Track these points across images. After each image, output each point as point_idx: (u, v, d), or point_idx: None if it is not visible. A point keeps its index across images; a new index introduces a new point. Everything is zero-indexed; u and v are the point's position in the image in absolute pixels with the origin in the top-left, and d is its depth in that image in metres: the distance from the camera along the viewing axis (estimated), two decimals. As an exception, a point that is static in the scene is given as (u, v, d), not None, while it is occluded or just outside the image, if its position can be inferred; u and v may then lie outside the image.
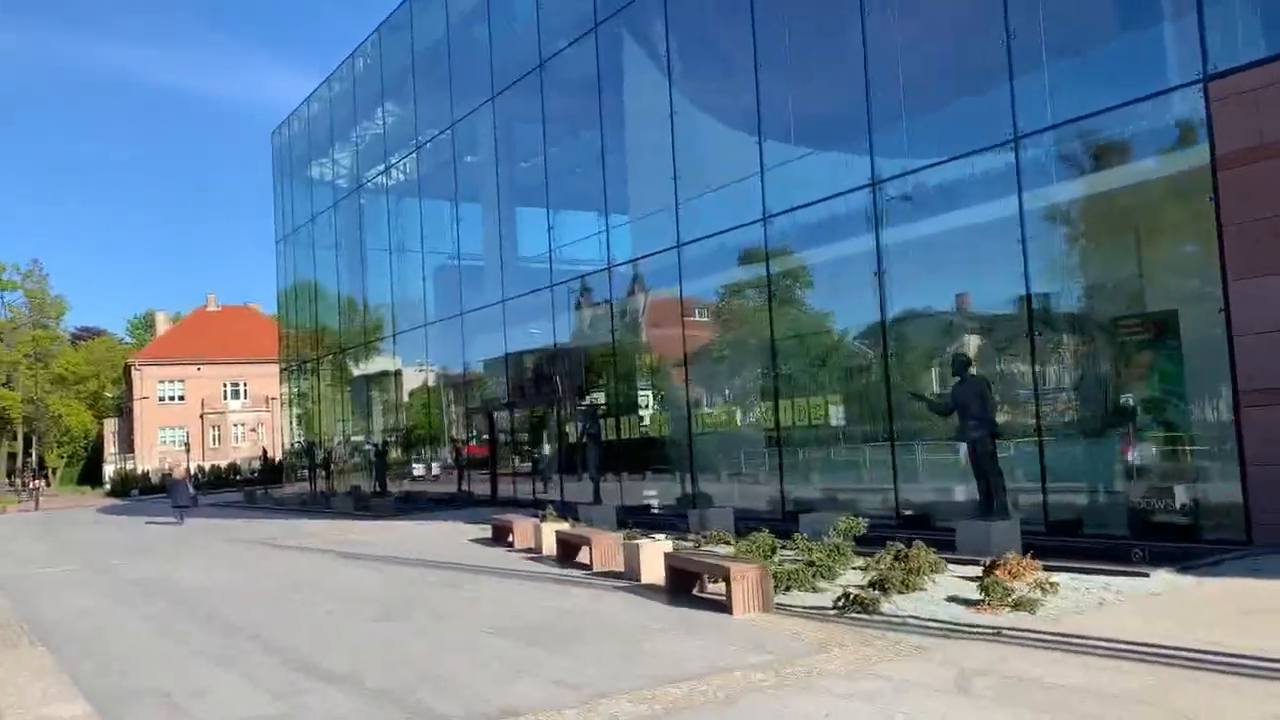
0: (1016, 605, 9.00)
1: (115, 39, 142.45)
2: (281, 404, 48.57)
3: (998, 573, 10.19)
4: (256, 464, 67.17)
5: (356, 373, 40.80)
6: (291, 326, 45.42)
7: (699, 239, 20.04)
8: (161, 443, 79.27)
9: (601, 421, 20.71)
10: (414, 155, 34.07)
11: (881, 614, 9.15)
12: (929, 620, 8.80)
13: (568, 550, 14.49)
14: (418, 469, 32.77)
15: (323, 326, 42.07)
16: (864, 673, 7.16)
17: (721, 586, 10.04)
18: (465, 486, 30.16)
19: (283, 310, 45.65)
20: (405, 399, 36.50)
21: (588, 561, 13.83)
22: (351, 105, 37.17)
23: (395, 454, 35.08)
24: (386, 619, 10.69)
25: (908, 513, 15.71)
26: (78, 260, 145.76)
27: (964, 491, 15.70)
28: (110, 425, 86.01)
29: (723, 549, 13.31)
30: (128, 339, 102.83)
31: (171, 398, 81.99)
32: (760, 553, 12.60)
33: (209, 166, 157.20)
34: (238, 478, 65.39)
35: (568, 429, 24.63)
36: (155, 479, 61.41)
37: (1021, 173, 13.83)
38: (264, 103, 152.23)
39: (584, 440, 20.42)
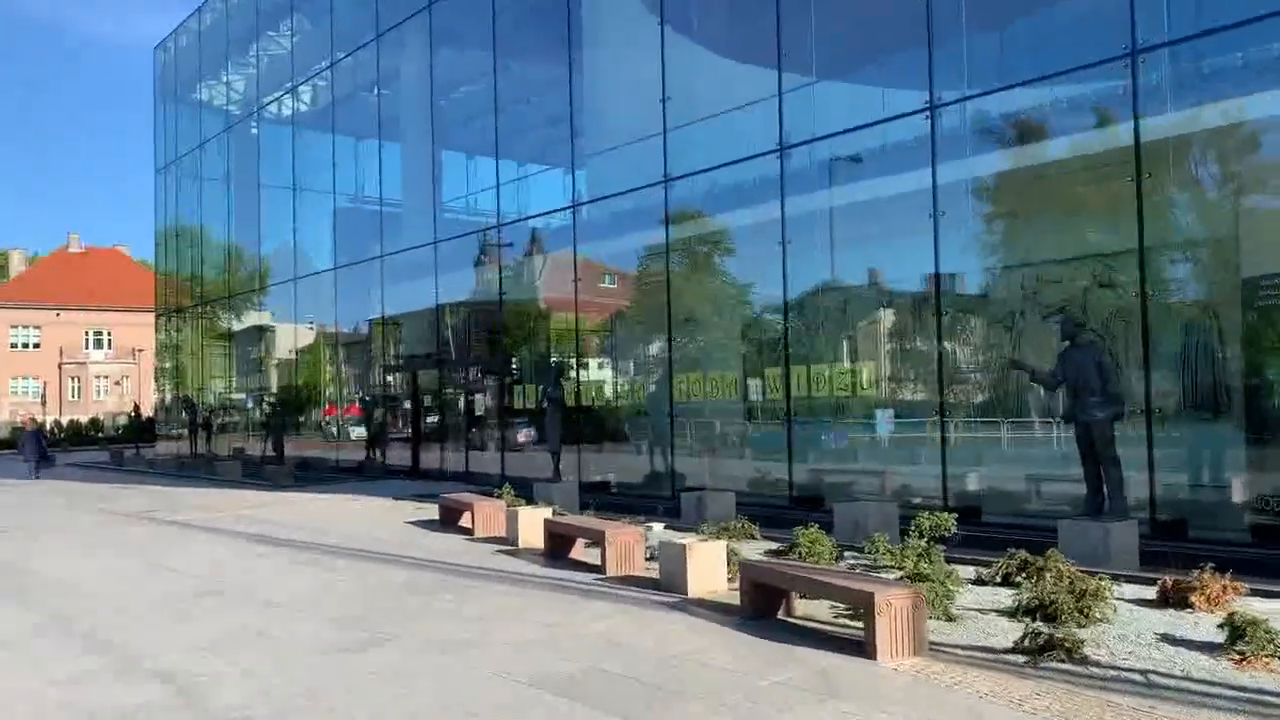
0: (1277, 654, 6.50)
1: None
2: (157, 354, 43.57)
3: (1196, 600, 7.72)
4: (123, 420, 61.43)
5: (244, 322, 36.53)
6: (170, 268, 40.49)
7: (690, 174, 17.15)
8: (13, 393, 72.18)
9: (564, 385, 17.63)
10: (326, 77, 30.05)
11: (1095, 663, 6.52)
12: (1172, 676, 6.22)
13: (560, 545, 11.50)
14: (357, 431, 28.74)
15: (207, 269, 37.47)
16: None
17: (814, 606, 7.29)
18: (377, 455, 26.64)
19: (161, 248, 40.67)
20: (300, 354, 32.56)
21: (590, 561, 10.91)
22: (254, 15, 32.66)
23: (296, 415, 31.14)
24: (358, 651, 7.54)
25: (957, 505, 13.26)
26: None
27: (1023, 479, 13.41)
28: (-47, 373, 77.92)
29: (799, 562, 10.57)
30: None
31: (25, 345, 74.79)
32: (825, 557, 9.91)
33: (77, 99, 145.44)
34: (100, 435, 59.50)
35: (517, 391, 21.53)
36: (6, 433, 55.21)
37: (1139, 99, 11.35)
38: (146, 36, 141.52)
39: (542, 405, 17.34)
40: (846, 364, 15.85)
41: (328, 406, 32.65)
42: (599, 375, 20.80)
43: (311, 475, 26.55)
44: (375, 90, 28.53)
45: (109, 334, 76.32)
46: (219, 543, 14.09)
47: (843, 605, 8.05)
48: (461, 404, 24.02)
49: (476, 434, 23.21)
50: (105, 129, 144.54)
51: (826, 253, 16.03)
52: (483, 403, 23.05)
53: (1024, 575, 8.87)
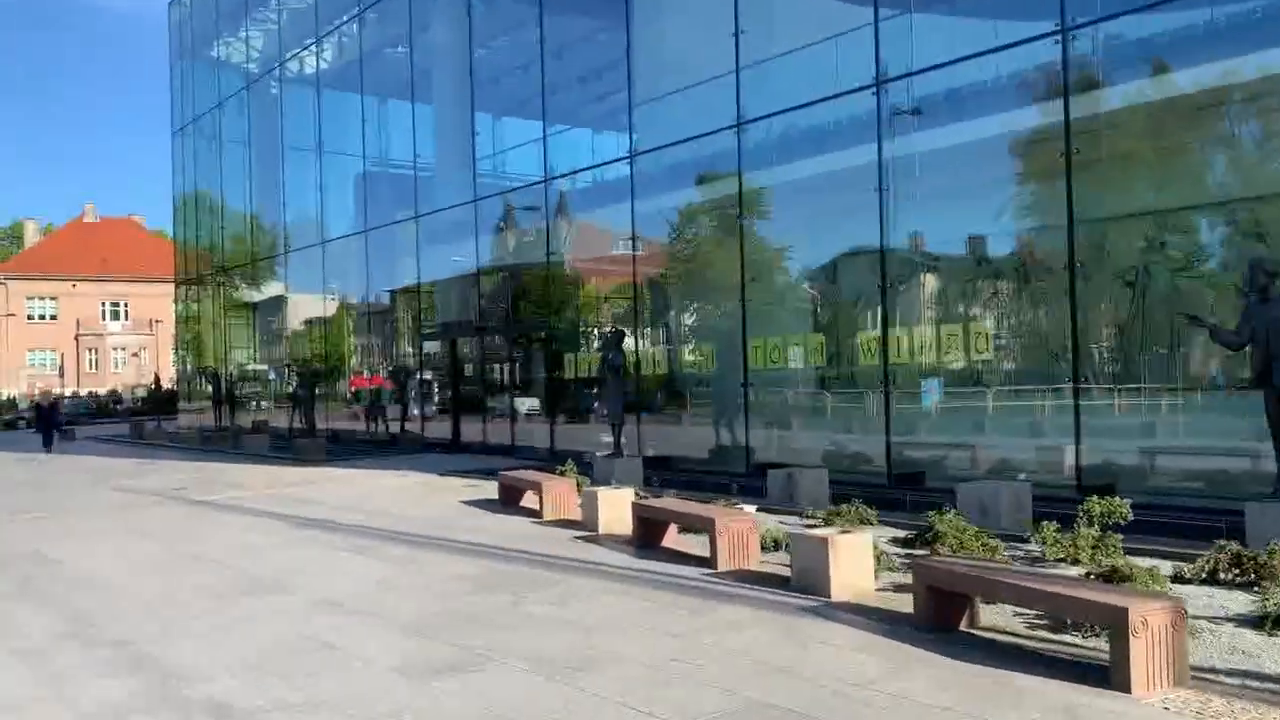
0: None
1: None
2: (177, 323, 42.26)
3: None
4: (141, 392, 60.41)
5: (266, 291, 35.11)
6: (188, 235, 39.02)
7: (764, 116, 15.52)
8: (30, 366, 71.23)
9: (625, 352, 16.12)
10: (349, 32, 28.45)
11: None
12: None
13: (651, 532, 10.03)
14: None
15: (226, 235, 36.01)
16: None
17: (994, 613, 5.79)
18: (416, 427, 25.24)
19: (179, 214, 39.20)
20: (324, 323, 31.11)
21: (688, 550, 9.47)
22: (273, -34, 31.00)
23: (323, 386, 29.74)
24: (451, 673, 6.09)
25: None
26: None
27: (1156, 454, 11.89)
28: (-30, 346, 77.00)
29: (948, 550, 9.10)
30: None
31: (42, 316, 73.76)
32: (977, 548, 8.42)
33: (91, 67, 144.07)
34: (119, 407, 58.49)
35: (567, 360, 20.03)
36: (24, 406, 54.20)
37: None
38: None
39: (604, 374, 15.86)
40: (944, 328, 14.28)
41: (353, 377, 31.33)
42: (653, 341, 19.31)
43: (343, 449, 25.21)
44: (403, 46, 27.00)
45: (126, 305, 75.18)
46: (257, 526, 12.70)
47: (1035, 613, 6.59)
48: (503, 373, 22.54)
49: (520, 404, 21.75)
50: (119, 95, 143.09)
51: (917, 205, 14.44)
52: (527, 371, 21.57)
53: (1239, 571, 7.37)
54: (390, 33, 27.18)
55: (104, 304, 74.84)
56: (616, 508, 10.96)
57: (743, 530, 8.75)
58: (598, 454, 15.74)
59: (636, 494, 11.58)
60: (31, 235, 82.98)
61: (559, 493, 12.26)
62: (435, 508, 13.66)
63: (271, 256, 33.29)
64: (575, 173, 20.23)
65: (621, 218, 18.57)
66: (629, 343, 17.89)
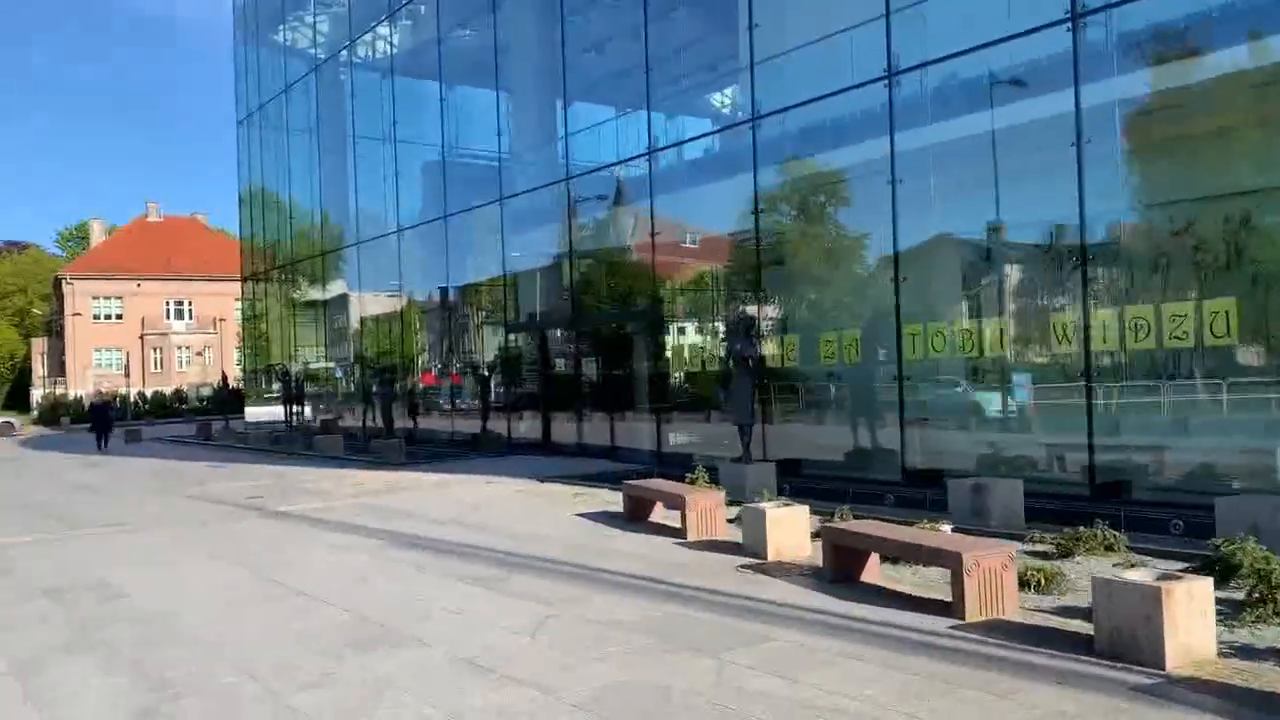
0: None
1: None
2: (243, 319, 41.10)
3: None
4: (206, 391, 59.80)
5: (333, 287, 33.68)
6: (255, 228, 37.74)
7: (918, 66, 13.43)
8: (97, 366, 71.11)
9: (756, 343, 14.12)
10: (416, 14, 26.79)
11: None
12: None
13: (849, 562, 8.04)
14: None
15: (294, 226, 34.64)
16: None
17: None
18: (494, 426, 23.50)
19: (244, 206, 37.95)
20: (395, 318, 29.51)
21: (896, 587, 7.49)
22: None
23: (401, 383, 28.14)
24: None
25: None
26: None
27: None
28: (39, 345, 77.20)
29: None
30: (58, 252, 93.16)
31: (107, 316, 73.54)
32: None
33: (159, 74, 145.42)
34: (184, 406, 57.86)
35: (673, 352, 18.11)
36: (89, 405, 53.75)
37: None
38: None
39: (730, 367, 13.91)
40: (1130, 310, 12.08)
41: (424, 374, 29.77)
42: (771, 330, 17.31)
43: (423, 450, 23.59)
44: (472, 29, 25.35)
45: (189, 304, 74.79)
46: (351, 546, 10.93)
47: None
48: (599, 368, 20.66)
49: (624, 402, 19.85)
50: (183, 93, 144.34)
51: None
52: (630, 366, 19.66)
53: None
54: (460, 16, 25.54)
55: (168, 303, 74.51)
56: (789, 530, 9.01)
57: (994, 566, 6.73)
58: (702, 457, 13.80)
59: (831, 516, 9.60)
60: (97, 235, 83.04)
61: (704, 508, 10.32)
62: (550, 522, 11.80)
63: (340, 248, 31.82)
64: (686, 141, 18.30)
65: (732, 194, 16.63)
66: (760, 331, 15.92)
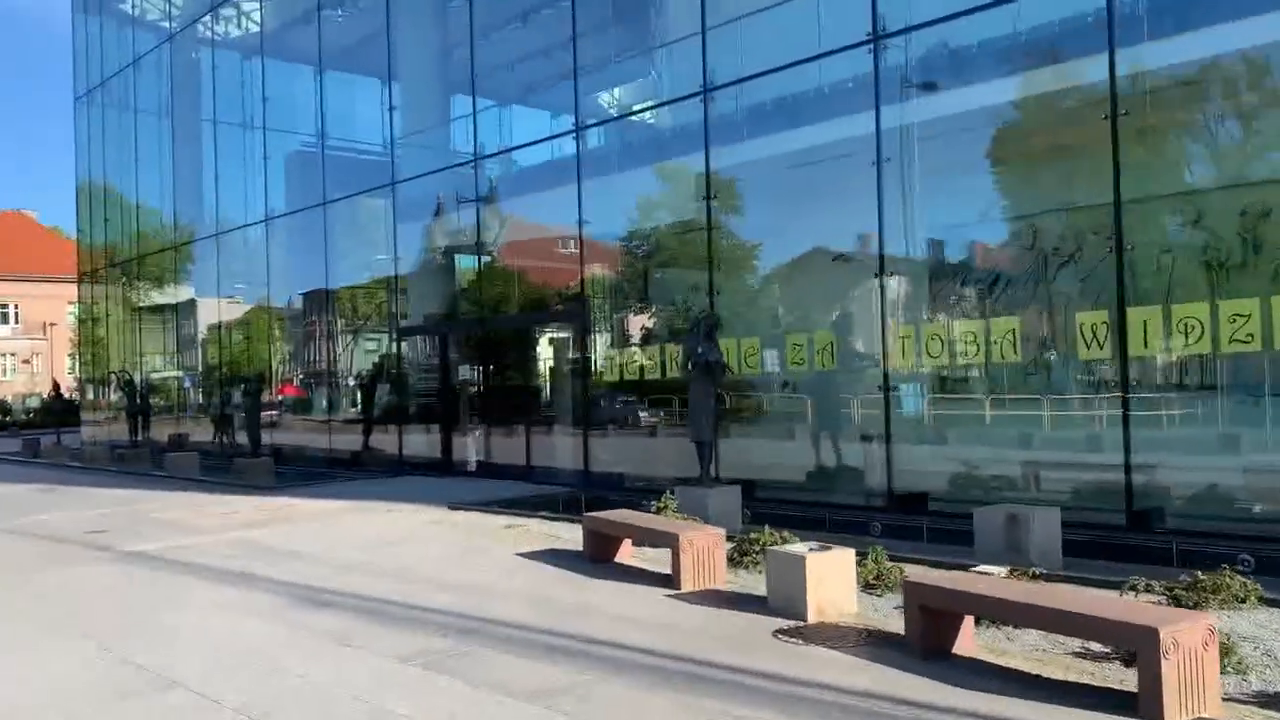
0: None
1: None
2: (78, 323, 36.72)
3: None
4: (34, 401, 54.02)
5: (183, 288, 30.15)
6: (94, 219, 33.52)
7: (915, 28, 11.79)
8: (-96, 373, 63.80)
9: (720, 346, 12.12)
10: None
11: None
12: None
13: (940, 629, 6.11)
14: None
15: (142, 218, 30.80)
16: None
17: None
18: (378, 442, 20.85)
19: (84, 197, 33.75)
20: (267, 319, 26.37)
21: (1012, 665, 5.64)
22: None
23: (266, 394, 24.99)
24: None
25: None
26: None
27: None
28: None
29: None
30: None
31: (-82, 320, 66.15)
32: None
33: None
34: (8, 419, 52.00)
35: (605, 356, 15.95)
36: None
37: None
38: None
39: (689, 374, 11.90)
40: (1178, 310, 10.68)
41: (281, 385, 26.78)
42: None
43: (295, 470, 20.75)
44: (365, 11, 22.80)
45: (15, 307, 68.03)
46: (238, 604, 8.36)
47: None
48: (509, 376, 18.33)
49: (542, 415, 17.59)
50: (11, 79, 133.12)
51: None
52: (551, 373, 17.43)
53: None
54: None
55: (-9, 305, 67.62)
56: (836, 583, 7.03)
57: (1195, 646, 4.89)
58: (679, 481, 11.79)
59: (883, 558, 7.66)
60: (-94, 229, 74.75)
61: (702, 548, 8.24)
62: (492, 567, 9.50)
63: (193, 240, 28.35)
64: (603, 122, 16.26)
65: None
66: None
